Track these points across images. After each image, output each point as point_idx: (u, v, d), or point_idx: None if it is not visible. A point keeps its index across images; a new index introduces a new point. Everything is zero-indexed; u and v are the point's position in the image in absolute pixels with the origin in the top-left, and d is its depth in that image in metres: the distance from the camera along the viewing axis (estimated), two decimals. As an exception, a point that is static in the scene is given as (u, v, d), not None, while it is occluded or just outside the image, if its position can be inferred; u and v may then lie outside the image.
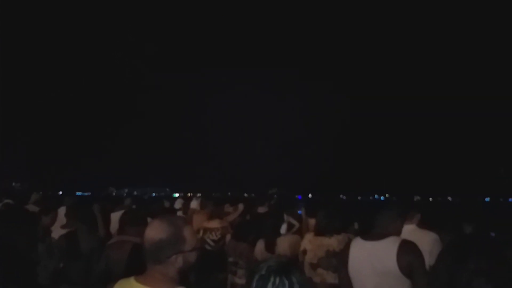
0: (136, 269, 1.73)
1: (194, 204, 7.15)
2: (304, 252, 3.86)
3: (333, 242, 3.68)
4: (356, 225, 5.61)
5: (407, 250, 2.43)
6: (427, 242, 3.09)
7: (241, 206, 6.29)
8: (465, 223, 5.74)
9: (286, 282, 1.43)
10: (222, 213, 5.38)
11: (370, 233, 2.67)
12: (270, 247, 4.35)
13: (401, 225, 2.72)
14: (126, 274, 1.74)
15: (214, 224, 4.83)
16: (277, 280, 1.44)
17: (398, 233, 2.64)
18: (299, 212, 5.50)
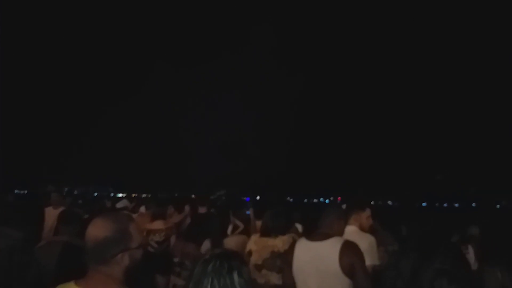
0: (67, 271, 1.61)
1: (143, 209, 6.90)
2: (250, 253, 3.84)
3: (278, 243, 3.69)
4: (299, 227, 5.70)
5: (349, 251, 2.48)
6: (366, 244, 3.18)
7: (187, 208, 6.17)
8: (403, 226, 6.04)
9: (226, 266, 1.50)
10: (165, 214, 5.25)
11: (314, 234, 2.69)
12: (216, 247, 4.28)
13: (344, 225, 2.77)
14: (57, 277, 1.61)
15: (158, 225, 4.70)
16: (218, 263, 1.50)
17: (341, 233, 2.69)
18: (247, 212, 5.49)
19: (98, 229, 1.53)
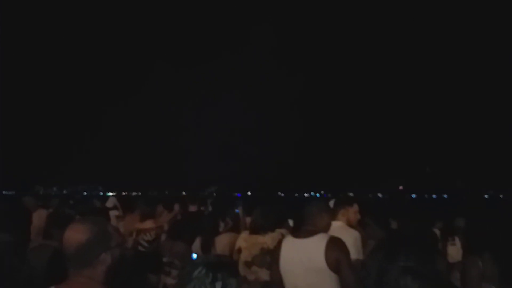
0: (57, 276, 1.63)
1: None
2: (239, 250, 3.89)
3: (267, 239, 3.74)
4: (290, 222, 5.76)
5: (334, 247, 2.53)
6: (352, 239, 3.23)
7: (176, 207, 6.17)
8: (391, 219, 6.12)
9: (210, 275, 1.53)
10: (155, 213, 5.24)
11: (300, 231, 2.75)
12: (207, 245, 4.31)
13: (328, 219, 2.82)
14: (46, 283, 1.64)
15: (148, 224, 4.70)
16: (204, 271, 1.54)
17: (326, 229, 2.74)
18: (237, 210, 5.51)
19: (79, 233, 1.57)
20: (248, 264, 3.77)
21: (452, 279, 3.27)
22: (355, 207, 3.81)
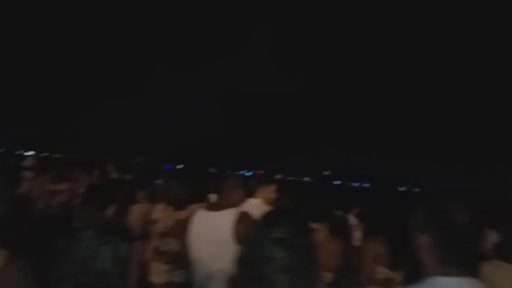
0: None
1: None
2: (155, 221, 3.88)
3: (184, 212, 3.76)
4: (214, 197, 5.81)
5: (243, 221, 2.62)
6: None
7: (96, 172, 5.99)
8: (308, 200, 6.41)
9: (101, 238, 1.48)
10: (71, 176, 5.05)
11: (213, 204, 2.80)
12: (121, 214, 4.23)
13: (242, 197, 2.90)
14: None
15: (62, 186, 4.53)
16: (95, 234, 1.49)
17: (238, 203, 2.82)
18: (158, 182, 5.46)
19: None
20: (162, 235, 3.78)
21: (354, 260, 3.54)
22: (274, 186, 3.95)
